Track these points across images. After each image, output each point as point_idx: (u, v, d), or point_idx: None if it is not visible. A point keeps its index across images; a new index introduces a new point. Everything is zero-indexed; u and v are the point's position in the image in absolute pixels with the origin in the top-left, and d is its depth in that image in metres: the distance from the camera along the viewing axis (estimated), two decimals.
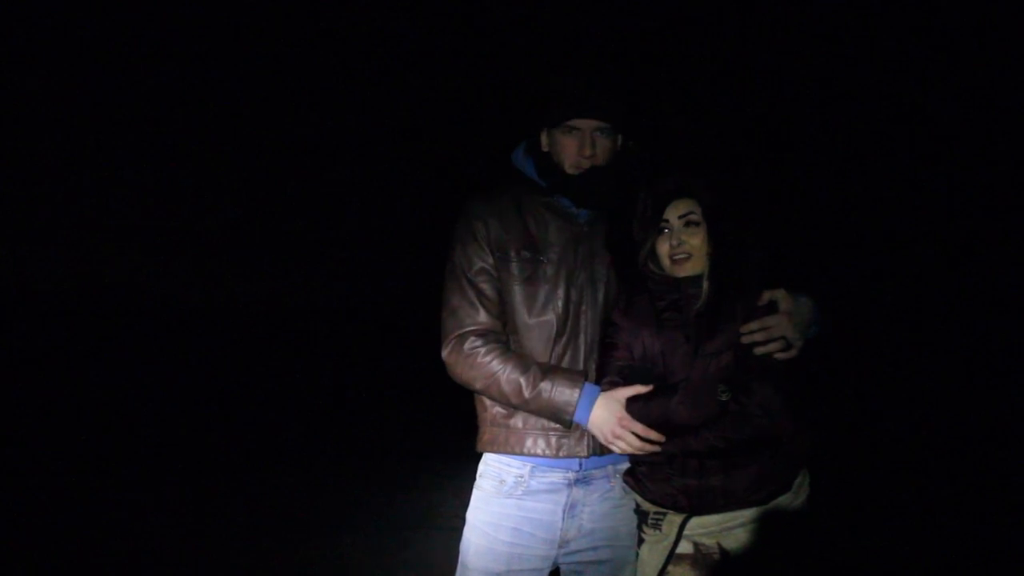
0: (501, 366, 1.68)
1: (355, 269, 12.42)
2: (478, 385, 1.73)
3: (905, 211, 9.97)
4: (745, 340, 1.57)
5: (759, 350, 1.57)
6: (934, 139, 9.63)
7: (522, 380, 1.67)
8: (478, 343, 1.72)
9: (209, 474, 5.39)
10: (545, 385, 1.66)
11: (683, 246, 1.64)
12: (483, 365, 1.70)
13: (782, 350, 1.57)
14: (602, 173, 1.73)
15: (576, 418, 1.65)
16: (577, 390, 1.65)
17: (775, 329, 1.56)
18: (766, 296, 1.60)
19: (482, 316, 1.74)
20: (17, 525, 4.19)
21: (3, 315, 9.25)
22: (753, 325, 1.57)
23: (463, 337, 1.73)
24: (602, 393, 1.66)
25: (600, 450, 1.71)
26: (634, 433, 1.60)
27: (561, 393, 1.65)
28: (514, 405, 1.70)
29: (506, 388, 1.68)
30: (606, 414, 1.62)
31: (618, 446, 1.62)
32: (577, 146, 1.71)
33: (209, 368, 9.18)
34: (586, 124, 1.70)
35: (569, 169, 1.74)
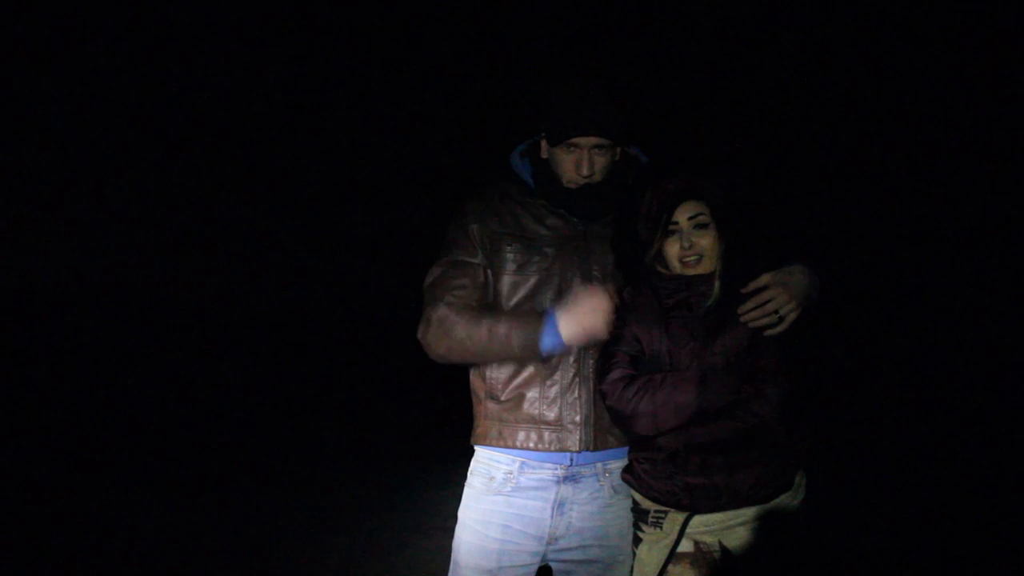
0: (465, 320, 1.68)
1: (355, 270, 12.44)
2: (451, 346, 1.70)
3: (908, 210, 9.96)
4: (743, 320, 1.60)
5: (753, 323, 1.60)
6: (942, 139, 9.61)
7: (486, 319, 1.67)
8: (451, 312, 1.71)
9: (209, 475, 5.40)
10: (508, 319, 1.66)
11: (694, 248, 1.64)
12: (453, 325, 1.69)
13: (774, 324, 1.60)
14: (597, 189, 1.73)
15: (545, 333, 1.61)
16: (543, 317, 1.64)
17: (770, 305, 1.59)
18: (752, 285, 1.62)
19: (459, 297, 1.73)
20: (17, 525, 4.20)
21: (4, 315, 9.26)
22: (748, 304, 1.60)
23: (435, 308, 1.73)
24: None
25: (592, 446, 1.71)
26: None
27: (528, 320, 1.65)
28: (484, 350, 1.68)
29: (474, 332, 1.66)
30: (577, 304, 1.60)
31: (596, 327, 1.58)
32: (575, 164, 1.71)
33: (208, 368, 9.19)
34: (585, 141, 1.69)
35: (566, 184, 1.74)
